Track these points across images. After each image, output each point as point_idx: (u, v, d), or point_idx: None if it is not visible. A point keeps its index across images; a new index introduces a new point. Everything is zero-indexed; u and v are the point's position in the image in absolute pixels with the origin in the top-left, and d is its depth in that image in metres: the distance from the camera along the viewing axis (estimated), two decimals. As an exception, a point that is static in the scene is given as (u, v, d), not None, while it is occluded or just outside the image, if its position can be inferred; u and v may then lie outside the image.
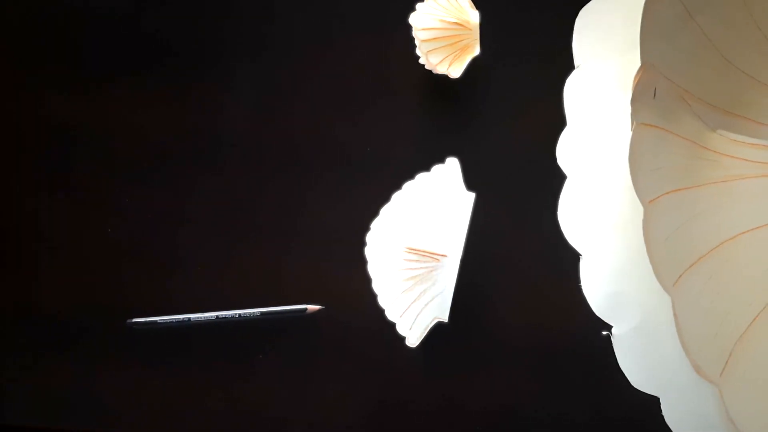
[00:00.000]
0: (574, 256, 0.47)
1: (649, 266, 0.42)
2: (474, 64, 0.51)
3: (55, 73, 0.56)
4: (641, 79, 0.43)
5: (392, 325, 0.49)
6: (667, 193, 0.44)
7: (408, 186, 0.51)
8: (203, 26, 0.55)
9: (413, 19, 0.51)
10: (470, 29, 0.50)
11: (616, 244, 0.47)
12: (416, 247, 0.48)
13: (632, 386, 0.46)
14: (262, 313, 0.52)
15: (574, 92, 0.48)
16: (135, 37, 0.55)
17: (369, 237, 0.50)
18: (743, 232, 0.46)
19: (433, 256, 0.47)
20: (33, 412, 0.54)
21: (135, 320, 0.53)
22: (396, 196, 0.51)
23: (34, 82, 0.56)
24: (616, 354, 0.46)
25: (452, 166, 0.50)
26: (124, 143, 0.54)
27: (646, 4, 0.43)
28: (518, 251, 0.53)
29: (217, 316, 0.52)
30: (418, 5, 0.51)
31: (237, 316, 0.52)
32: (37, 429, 0.54)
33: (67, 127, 0.54)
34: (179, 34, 0.56)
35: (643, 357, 0.46)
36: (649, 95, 0.43)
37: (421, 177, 0.51)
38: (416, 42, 0.51)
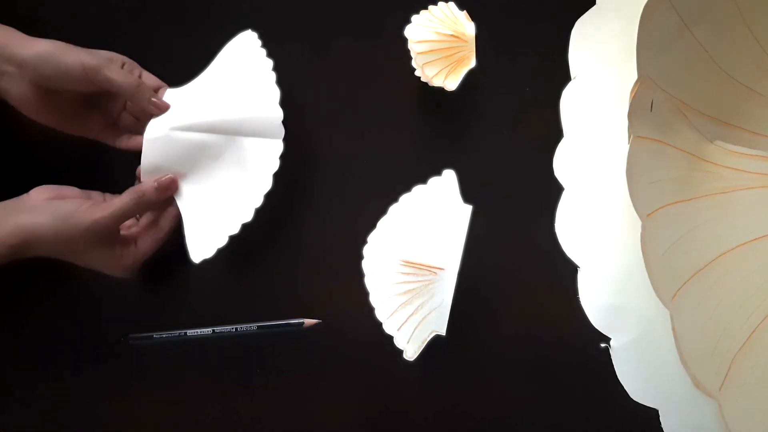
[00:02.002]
0: (572, 269, 0.47)
1: (648, 279, 0.42)
2: (470, 76, 0.51)
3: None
4: (638, 92, 0.43)
5: (390, 339, 0.48)
6: (665, 206, 0.44)
7: (405, 198, 0.51)
8: (201, 36, 0.55)
9: (409, 31, 0.51)
10: (466, 41, 0.50)
11: (615, 256, 0.47)
12: (413, 261, 0.48)
13: (631, 398, 0.46)
14: (259, 327, 0.52)
15: (570, 104, 0.48)
16: (130, 42, 0.55)
17: (366, 250, 0.50)
18: (741, 244, 0.46)
19: (431, 269, 0.47)
20: (30, 427, 0.53)
21: (132, 335, 0.52)
22: (393, 209, 0.50)
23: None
24: (615, 366, 0.46)
25: (449, 178, 0.50)
26: (123, 154, 0.54)
27: (642, 15, 0.43)
28: (516, 264, 0.53)
29: (213, 331, 0.52)
30: (414, 17, 0.51)
31: (234, 330, 0.52)
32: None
33: (64, 135, 0.53)
34: (176, 42, 0.55)
35: (641, 369, 0.46)
36: (646, 108, 0.43)
37: (417, 189, 0.51)
38: (412, 54, 0.51)
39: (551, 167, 0.48)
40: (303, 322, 0.52)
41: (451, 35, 0.50)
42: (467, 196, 0.49)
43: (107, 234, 0.49)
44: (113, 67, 0.50)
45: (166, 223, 0.52)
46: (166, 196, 0.51)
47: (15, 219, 0.47)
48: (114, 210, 0.49)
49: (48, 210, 0.48)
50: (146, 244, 0.51)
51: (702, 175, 0.46)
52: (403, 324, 0.48)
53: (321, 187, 0.54)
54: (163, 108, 0.51)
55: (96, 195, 0.51)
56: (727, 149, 0.47)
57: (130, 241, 0.51)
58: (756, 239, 0.46)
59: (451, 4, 0.51)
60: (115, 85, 0.50)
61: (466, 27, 0.50)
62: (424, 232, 0.49)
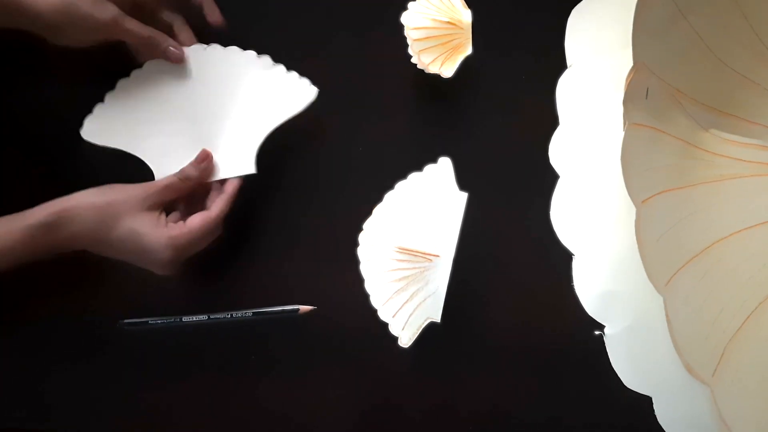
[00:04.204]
0: (566, 256, 0.47)
1: (642, 266, 0.42)
2: (466, 63, 0.51)
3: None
4: (633, 79, 0.43)
5: (385, 326, 0.48)
6: (660, 192, 0.44)
7: (400, 186, 0.51)
8: (202, 25, 0.55)
9: (405, 18, 0.51)
10: (462, 28, 0.50)
11: (609, 243, 0.47)
12: (409, 248, 0.48)
13: (625, 386, 0.46)
14: (255, 314, 0.52)
15: (566, 92, 0.48)
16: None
17: (361, 237, 0.50)
18: (736, 232, 0.46)
19: (426, 256, 0.47)
20: (24, 414, 0.53)
21: (126, 321, 0.52)
22: (388, 196, 0.50)
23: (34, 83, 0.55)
24: (609, 354, 0.46)
25: (445, 165, 0.50)
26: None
27: (638, 3, 0.43)
28: (511, 251, 0.53)
29: (209, 317, 0.52)
30: (410, 4, 0.51)
31: (229, 316, 0.52)
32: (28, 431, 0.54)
33: (62, 127, 0.53)
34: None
35: (635, 357, 0.46)
36: (642, 95, 0.43)
37: (413, 177, 0.51)
38: (408, 41, 0.51)
39: (547, 155, 0.48)
40: (298, 309, 0.52)
41: (448, 22, 0.50)
42: (463, 183, 0.49)
43: (151, 203, 0.49)
44: (127, 18, 0.50)
45: (214, 205, 0.51)
46: (204, 169, 0.51)
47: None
48: (158, 183, 0.50)
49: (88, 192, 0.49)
50: (194, 220, 0.49)
51: (697, 162, 0.46)
52: (398, 311, 0.48)
53: (317, 173, 0.54)
54: (175, 58, 0.52)
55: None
56: (721, 137, 0.47)
57: (177, 218, 0.51)
58: (750, 227, 0.46)
59: (448, -8, 0.51)
60: (130, 37, 0.50)
61: (463, 14, 0.50)
62: (419, 219, 0.49)
